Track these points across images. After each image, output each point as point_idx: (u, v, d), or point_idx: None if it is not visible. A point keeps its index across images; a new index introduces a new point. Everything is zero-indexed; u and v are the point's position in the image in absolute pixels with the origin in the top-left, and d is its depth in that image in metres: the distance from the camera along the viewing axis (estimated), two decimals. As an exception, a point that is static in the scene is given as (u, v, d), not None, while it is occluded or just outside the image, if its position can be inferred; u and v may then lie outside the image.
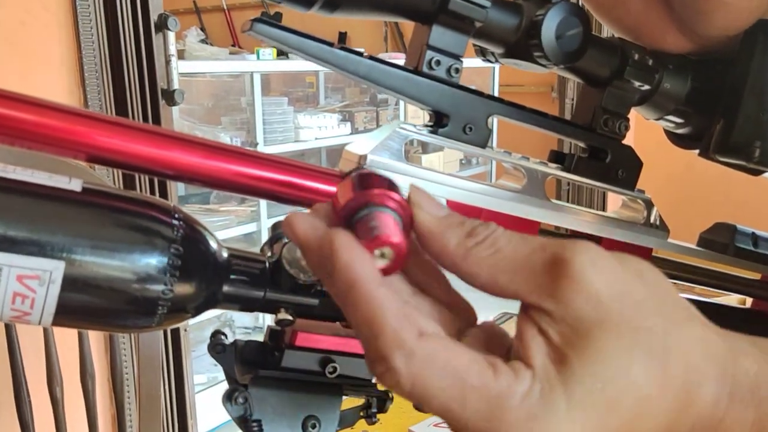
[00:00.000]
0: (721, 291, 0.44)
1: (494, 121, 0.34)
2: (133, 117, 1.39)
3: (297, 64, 2.14)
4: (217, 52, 2.06)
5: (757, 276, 0.45)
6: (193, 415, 1.62)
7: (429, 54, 0.31)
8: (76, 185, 0.27)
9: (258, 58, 2.16)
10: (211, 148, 0.29)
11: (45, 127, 0.26)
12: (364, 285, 0.21)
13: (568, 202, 0.37)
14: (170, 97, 1.50)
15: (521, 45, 0.33)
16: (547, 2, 0.33)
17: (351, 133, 2.53)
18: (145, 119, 1.42)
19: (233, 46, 3.22)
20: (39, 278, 0.25)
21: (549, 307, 0.22)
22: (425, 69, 0.32)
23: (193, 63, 1.93)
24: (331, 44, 0.30)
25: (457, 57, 0.32)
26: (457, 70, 0.32)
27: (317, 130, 2.37)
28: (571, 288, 0.22)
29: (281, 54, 2.22)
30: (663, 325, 0.23)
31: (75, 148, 0.27)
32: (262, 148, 2.13)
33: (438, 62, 0.32)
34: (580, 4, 0.37)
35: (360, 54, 0.30)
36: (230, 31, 3.77)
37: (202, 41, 2.37)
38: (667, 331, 0.23)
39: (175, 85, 1.51)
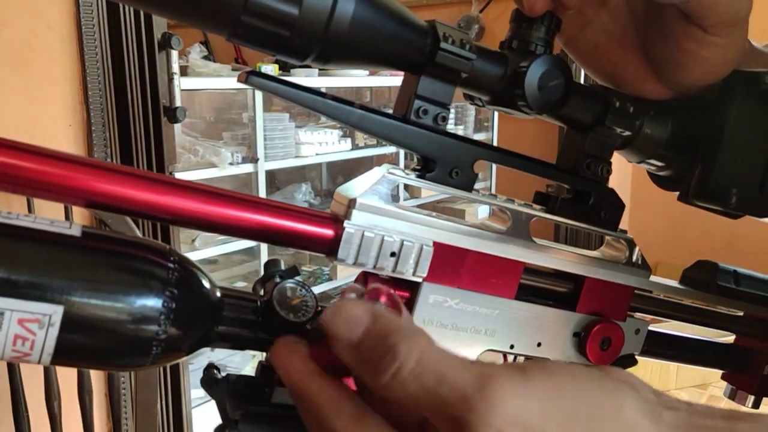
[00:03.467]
0: (704, 327, 0.45)
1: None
2: (135, 134, 1.41)
3: (298, 81, 2.16)
4: (219, 68, 2.08)
5: (740, 312, 0.46)
6: (189, 429, 1.63)
7: (417, 103, 0.33)
8: (76, 230, 0.28)
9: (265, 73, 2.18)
10: (206, 193, 0.30)
11: (45, 174, 0.27)
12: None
13: (566, 241, 0.39)
14: (172, 114, 1.52)
15: (506, 94, 0.34)
16: (531, 54, 0.34)
17: (351, 149, 2.55)
18: (147, 136, 1.44)
19: (236, 60, 3.24)
20: (39, 321, 0.26)
21: None
22: (413, 117, 0.33)
23: (196, 80, 1.95)
24: (323, 95, 0.31)
25: (443, 106, 0.33)
26: (444, 118, 0.33)
27: (318, 146, 2.39)
28: None
29: (283, 70, 2.24)
30: None
31: (74, 195, 0.28)
32: (263, 164, 2.14)
33: (425, 111, 0.33)
34: (562, 52, 0.39)
35: (351, 104, 0.32)
36: (234, 46, 3.80)
37: (205, 57, 2.39)
38: None
39: (178, 103, 1.53)
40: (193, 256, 1.94)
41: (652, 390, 0.24)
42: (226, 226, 0.31)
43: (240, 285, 2.53)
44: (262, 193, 2.15)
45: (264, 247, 2.25)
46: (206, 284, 0.31)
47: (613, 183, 0.39)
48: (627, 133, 0.37)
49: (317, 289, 2.44)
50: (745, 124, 0.35)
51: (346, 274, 2.53)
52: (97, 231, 0.29)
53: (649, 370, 2.35)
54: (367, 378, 0.24)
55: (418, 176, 0.34)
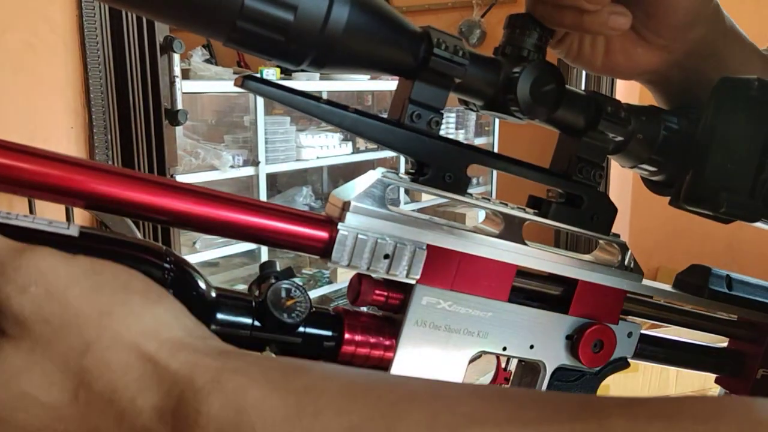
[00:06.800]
0: (697, 331, 0.45)
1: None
2: (137, 136, 1.42)
3: (300, 84, 2.17)
4: (221, 71, 2.09)
5: (733, 316, 0.46)
6: None
7: (411, 108, 0.33)
8: (74, 231, 0.28)
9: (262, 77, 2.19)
10: (200, 195, 0.31)
11: (45, 176, 0.28)
12: None
13: (566, 246, 0.39)
14: (173, 117, 1.53)
15: (499, 99, 0.35)
16: (524, 60, 0.34)
17: (352, 152, 2.55)
18: (149, 139, 1.45)
19: (239, 63, 3.25)
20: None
21: None
22: (407, 122, 0.33)
23: (197, 83, 1.96)
24: (318, 99, 0.32)
25: (437, 110, 0.34)
26: (437, 123, 0.34)
27: (319, 150, 2.39)
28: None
29: (285, 74, 2.25)
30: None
31: (74, 195, 0.29)
32: (264, 167, 2.15)
33: (419, 116, 0.33)
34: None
35: (345, 108, 0.32)
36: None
37: (207, 60, 2.40)
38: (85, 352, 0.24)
39: (179, 106, 1.54)
40: (194, 258, 1.95)
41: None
42: (221, 227, 0.31)
43: (240, 287, 2.52)
44: (263, 196, 2.15)
45: (264, 249, 2.26)
46: (201, 285, 0.31)
47: (613, 188, 0.39)
48: (619, 138, 0.38)
49: (317, 292, 2.45)
50: (735, 129, 0.35)
51: (346, 277, 2.53)
52: (95, 231, 0.29)
53: (649, 375, 2.35)
54: None
55: (412, 180, 0.35)
